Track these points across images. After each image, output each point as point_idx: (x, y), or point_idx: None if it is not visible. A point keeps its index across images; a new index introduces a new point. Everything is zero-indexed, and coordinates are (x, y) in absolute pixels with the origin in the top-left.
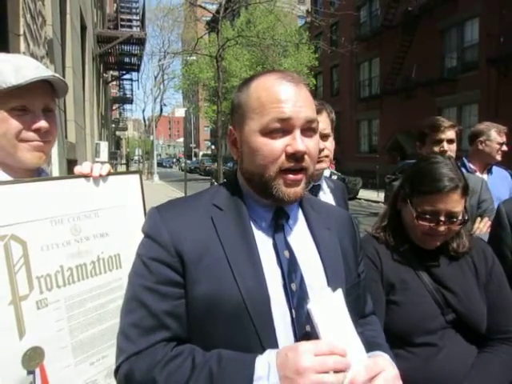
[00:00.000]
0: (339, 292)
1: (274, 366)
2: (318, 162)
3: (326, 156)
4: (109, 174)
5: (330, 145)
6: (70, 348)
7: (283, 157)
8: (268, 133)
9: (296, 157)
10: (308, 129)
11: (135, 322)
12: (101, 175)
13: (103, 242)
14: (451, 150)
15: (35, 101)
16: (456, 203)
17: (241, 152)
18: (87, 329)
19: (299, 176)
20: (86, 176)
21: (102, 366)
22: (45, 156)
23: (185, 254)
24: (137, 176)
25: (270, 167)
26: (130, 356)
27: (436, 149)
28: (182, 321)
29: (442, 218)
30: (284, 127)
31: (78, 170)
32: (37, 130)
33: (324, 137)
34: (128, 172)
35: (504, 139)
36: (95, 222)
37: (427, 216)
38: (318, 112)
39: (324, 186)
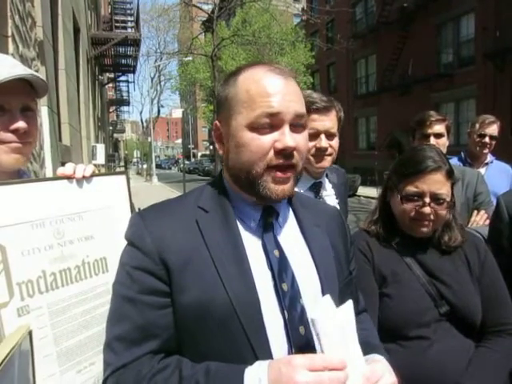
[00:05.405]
0: (349, 303)
1: (266, 381)
2: (321, 160)
3: (330, 155)
4: (93, 175)
5: (335, 144)
6: (54, 356)
7: (271, 153)
8: (256, 128)
9: (285, 153)
10: (297, 124)
11: (120, 335)
12: (84, 176)
13: (88, 245)
14: (440, 144)
15: (12, 100)
16: (440, 184)
17: (227, 148)
18: (73, 335)
19: (288, 174)
20: (68, 177)
21: (89, 373)
22: (24, 158)
23: (170, 262)
24: (123, 177)
25: (258, 163)
26: (116, 370)
27: (424, 143)
28: (169, 331)
29: (427, 200)
30: (273, 122)
31: (60, 171)
32: (15, 131)
33: (330, 136)
34: (114, 173)
35: (488, 131)
36: (79, 225)
37: (412, 197)
38: (328, 110)
39: (326, 183)
